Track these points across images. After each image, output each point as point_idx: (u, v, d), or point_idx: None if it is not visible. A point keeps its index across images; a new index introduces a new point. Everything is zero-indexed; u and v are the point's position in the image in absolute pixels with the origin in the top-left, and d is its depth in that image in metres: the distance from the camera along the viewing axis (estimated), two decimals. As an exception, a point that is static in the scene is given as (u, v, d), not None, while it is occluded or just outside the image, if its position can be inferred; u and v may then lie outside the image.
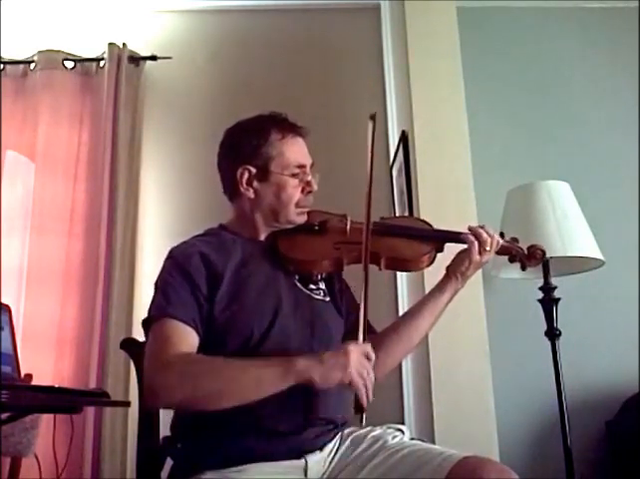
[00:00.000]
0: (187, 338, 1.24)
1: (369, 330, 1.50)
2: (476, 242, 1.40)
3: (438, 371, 2.04)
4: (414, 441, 1.33)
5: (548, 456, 2.33)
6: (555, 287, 2.19)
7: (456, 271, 1.43)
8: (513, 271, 2.37)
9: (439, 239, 1.46)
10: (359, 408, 1.18)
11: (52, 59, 2.69)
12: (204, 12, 2.87)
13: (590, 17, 2.91)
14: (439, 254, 1.45)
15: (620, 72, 2.83)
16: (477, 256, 1.40)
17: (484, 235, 1.40)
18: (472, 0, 2.78)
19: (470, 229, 1.42)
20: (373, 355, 1.20)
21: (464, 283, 1.45)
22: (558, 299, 2.18)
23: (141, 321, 1.32)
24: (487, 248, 1.40)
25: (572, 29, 2.90)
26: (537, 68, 2.84)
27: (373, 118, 1.41)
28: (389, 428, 1.36)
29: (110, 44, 2.69)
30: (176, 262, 1.32)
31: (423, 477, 1.15)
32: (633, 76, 2.80)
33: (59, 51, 2.71)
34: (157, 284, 1.32)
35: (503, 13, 2.90)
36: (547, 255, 2.11)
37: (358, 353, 1.18)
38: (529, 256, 1.48)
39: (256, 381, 1.17)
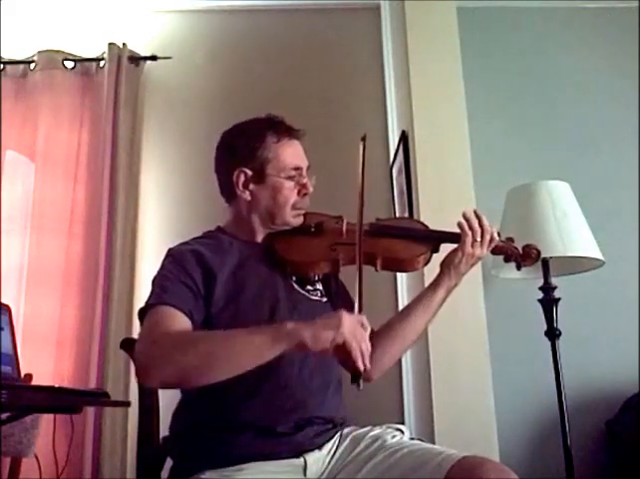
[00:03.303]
0: (180, 323, 1.23)
1: None
2: (469, 232, 1.40)
3: (438, 371, 2.04)
4: (413, 441, 1.33)
5: (548, 456, 2.32)
6: (555, 287, 2.19)
7: (449, 265, 1.43)
8: (514, 272, 2.37)
9: (434, 239, 1.47)
10: (355, 373, 1.11)
11: (52, 59, 2.69)
12: (204, 12, 2.87)
13: (590, 17, 2.90)
14: (436, 255, 1.46)
15: (620, 72, 2.83)
16: (469, 248, 1.40)
17: (476, 225, 1.41)
18: (472, 0, 2.78)
19: (464, 215, 1.42)
20: (368, 326, 1.16)
21: (458, 280, 1.45)
22: (558, 299, 2.18)
23: (137, 312, 1.33)
24: (479, 239, 1.40)
25: (572, 29, 2.90)
26: (537, 68, 2.83)
27: (364, 139, 1.43)
28: (388, 428, 1.36)
29: (110, 44, 2.69)
30: (174, 259, 1.34)
31: (422, 477, 1.15)
32: (633, 76, 2.80)
33: (59, 51, 2.71)
34: (154, 280, 1.34)
35: (503, 13, 2.90)
36: (547, 255, 2.13)
37: (351, 318, 1.14)
38: (524, 256, 1.48)
39: (247, 346, 1.14)
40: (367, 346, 1.13)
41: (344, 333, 1.11)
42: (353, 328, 1.12)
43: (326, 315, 1.17)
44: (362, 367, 1.11)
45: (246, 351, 1.14)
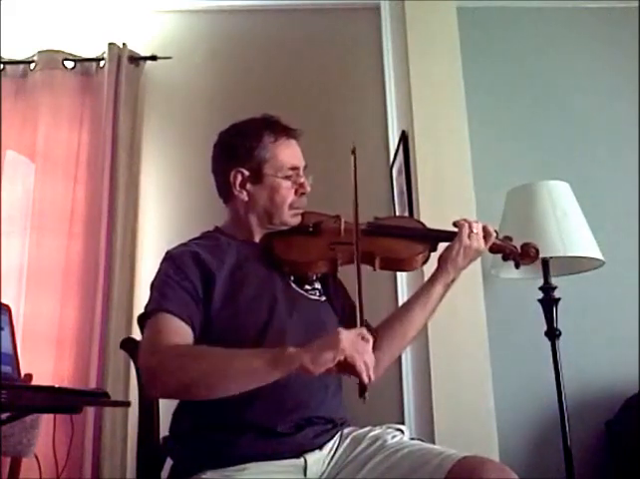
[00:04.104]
0: (182, 332, 1.24)
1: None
2: (466, 224, 1.42)
3: (438, 371, 2.04)
4: (413, 441, 1.33)
5: (548, 456, 2.33)
6: (555, 287, 2.19)
7: (446, 259, 1.43)
8: (513, 271, 2.37)
9: (432, 238, 1.47)
10: (362, 389, 1.10)
11: (52, 59, 2.69)
12: (204, 12, 2.87)
13: (590, 17, 2.90)
14: (434, 253, 1.46)
15: (620, 72, 2.83)
16: (466, 239, 1.42)
17: (471, 219, 1.44)
18: (472, 0, 2.78)
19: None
20: (370, 337, 1.14)
21: (456, 275, 1.45)
22: (558, 299, 2.18)
23: (137, 317, 1.33)
24: (475, 231, 1.42)
25: (572, 29, 2.90)
26: (537, 68, 2.83)
27: (354, 152, 1.43)
28: (389, 428, 1.36)
29: (110, 44, 2.69)
30: (172, 262, 1.34)
31: (422, 477, 1.15)
32: (633, 76, 2.80)
33: (59, 51, 2.71)
34: (153, 284, 1.34)
35: (503, 13, 2.89)
36: (547, 255, 2.13)
37: (349, 333, 1.12)
38: (523, 255, 1.49)
39: (247, 369, 1.14)
40: (370, 358, 1.11)
41: (345, 350, 1.09)
42: (353, 343, 1.11)
43: (323, 337, 1.14)
44: (367, 380, 1.10)
45: (245, 374, 1.15)
